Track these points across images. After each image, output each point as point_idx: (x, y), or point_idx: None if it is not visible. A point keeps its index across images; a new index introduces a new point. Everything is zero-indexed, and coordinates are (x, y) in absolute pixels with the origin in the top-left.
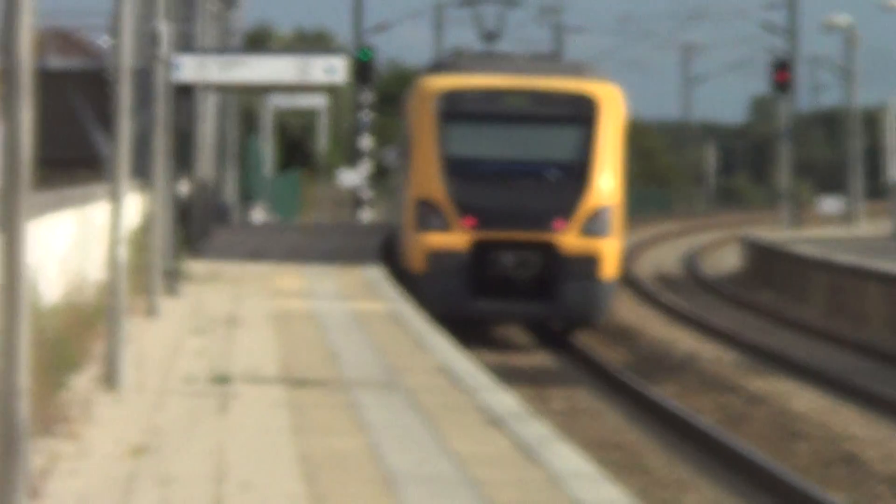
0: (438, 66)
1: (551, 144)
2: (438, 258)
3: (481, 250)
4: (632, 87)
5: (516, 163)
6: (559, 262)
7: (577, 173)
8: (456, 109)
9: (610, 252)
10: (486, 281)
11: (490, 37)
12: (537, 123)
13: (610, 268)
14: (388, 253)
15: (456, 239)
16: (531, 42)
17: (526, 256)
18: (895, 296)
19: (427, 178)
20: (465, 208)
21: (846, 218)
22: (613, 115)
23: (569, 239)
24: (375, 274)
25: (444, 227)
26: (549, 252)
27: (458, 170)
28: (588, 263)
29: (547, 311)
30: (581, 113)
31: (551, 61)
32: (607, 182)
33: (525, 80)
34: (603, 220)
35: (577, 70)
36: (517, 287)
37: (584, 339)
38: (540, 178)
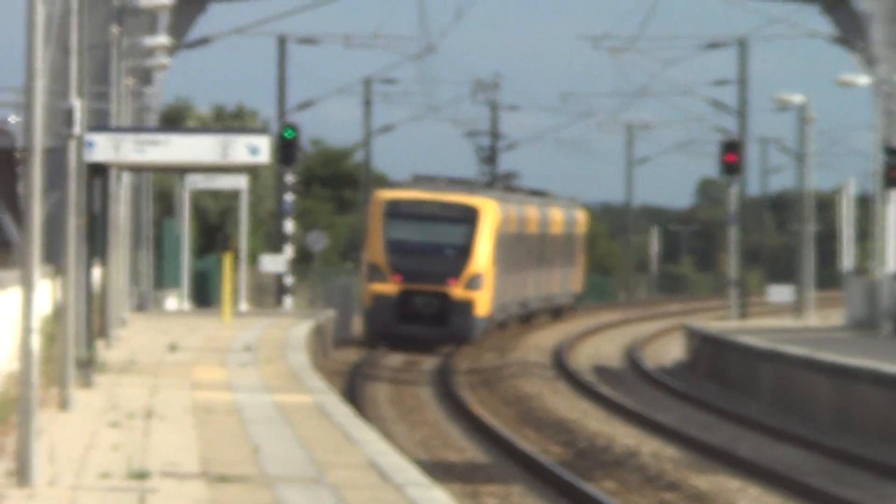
0: (389, 185)
1: (449, 234)
2: (379, 298)
3: (404, 295)
4: (573, 169)
5: (428, 244)
6: (450, 303)
7: (463, 252)
8: (394, 210)
9: (482, 299)
10: (406, 313)
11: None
12: (442, 221)
13: (481, 309)
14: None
15: (390, 287)
16: (465, 121)
17: (430, 300)
18: (846, 390)
19: (375, 250)
20: (395, 269)
21: (796, 308)
22: (490, 219)
23: (456, 290)
24: (300, 364)
25: (383, 279)
26: (444, 297)
27: (393, 246)
28: (467, 305)
29: (441, 333)
30: (468, 216)
31: (458, 183)
32: (482, 259)
33: (437, 195)
34: (478, 280)
35: (471, 189)
36: (424, 318)
37: (521, 432)
38: (441, 254)
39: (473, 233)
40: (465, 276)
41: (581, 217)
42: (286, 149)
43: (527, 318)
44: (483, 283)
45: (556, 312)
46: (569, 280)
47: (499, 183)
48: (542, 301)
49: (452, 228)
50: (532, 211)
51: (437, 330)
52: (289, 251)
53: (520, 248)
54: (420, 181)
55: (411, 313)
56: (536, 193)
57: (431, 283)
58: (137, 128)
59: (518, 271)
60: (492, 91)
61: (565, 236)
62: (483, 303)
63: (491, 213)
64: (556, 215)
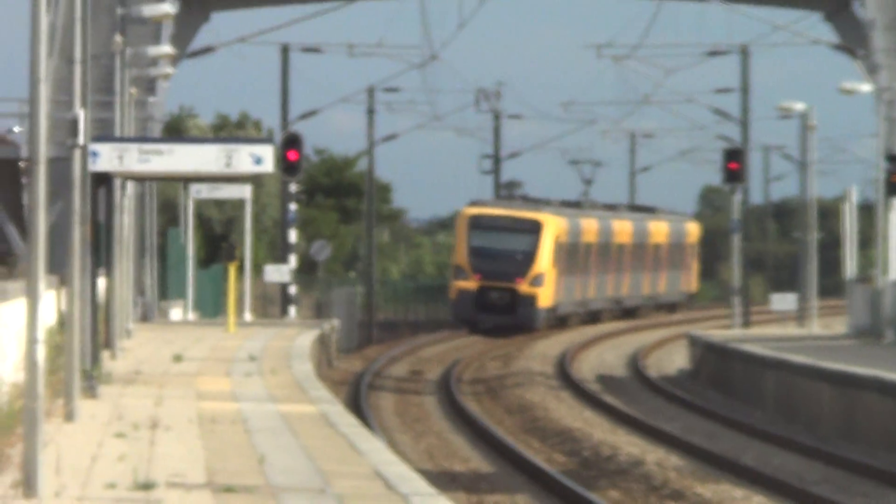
0: (471, 203)
1: (518, 242)
2: (462, 292)
3: (482, 290)
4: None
5: (501, 249)
6: (518, 297)
7: (529, 257)
8: (475, 223)
9: (543, 295)
10: (483, 304)
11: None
12: (513, 231)
13: (543, 302)
14: None
15: (471, 283)
16: (467, 129)
17: (502, 294)
18: (850, 398)
19: (460, 254)
20: (475, 269)
21: (800, 316)
22: (551, 230)
23: (523, 286)
24: (305, 374)
25: (466, 277)
26: (513, 292)
27: (474, 251)
28: (532, 299)
29: (511, 321)
30: (533, 228)
31: (528, 201)
32: (543, 262)
33: (509, 211)
34: (539, 279)
35: (537, 206)
36: (497, 308)
37: (526, 442)
38: (512, 257)
39: (537, 241)
40: (530, 276)
41: (692, 228)
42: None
43: (598, 314)
44: (544, 282)
45: (671, 308)
46: (679, 281)
47: (587, 200)
48: (642, 299)
49: (521, 237)
50: (616, 224)
51: (508, 318)
52: (293, 261)
53: (587, 254)
54: (499, 200)
55: (487, 304)
56: (641, 209)
57: (503, 281)
58: (141, 137)
59: (584, 273)
60: (494, 100)
61: (672, 245)
62: (545, 297)
63: (552, 226)
64: (660, 227)
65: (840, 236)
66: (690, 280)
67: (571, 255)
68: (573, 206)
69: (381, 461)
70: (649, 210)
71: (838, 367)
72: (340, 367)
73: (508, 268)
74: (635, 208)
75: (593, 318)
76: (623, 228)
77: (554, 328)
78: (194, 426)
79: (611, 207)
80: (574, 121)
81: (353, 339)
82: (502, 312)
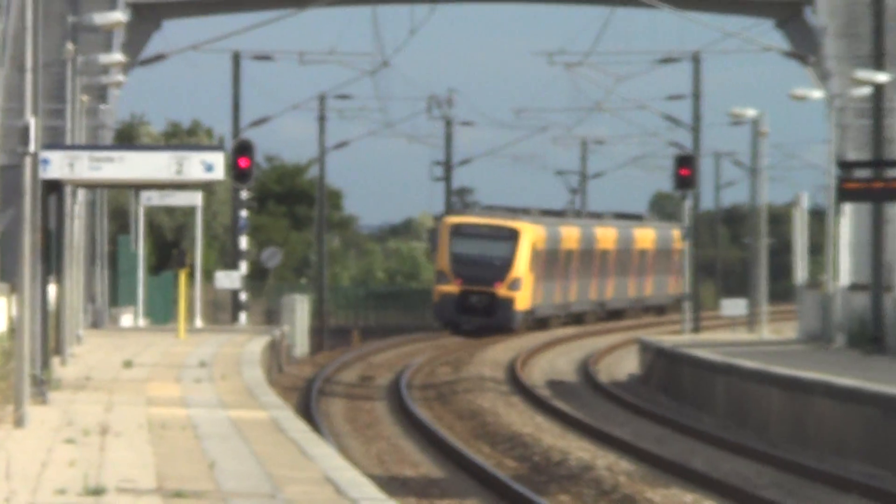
0: (454, 212)
1: (496, 248)
2: (444, 296)
3: (463, 293)
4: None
5: (480, 255)
6: (496, 300)
7: (507, 262)
8: (457, 231)
9: (520, 298)
10: (464, 307)
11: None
12: (491, 239)
13: (520, 305)
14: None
15: (452, 287)
16: (419, 136)
17: (482, 297)
18: (800, 403)
19: (442, 260)
20: (457, 274)
21: (750, 321)
22: (528, 238)
23: (501, 290)
24: (255, 380)
25: (448, 282)
26: (492, 296)
27: (455, 257)
28: (509, 301)
29: (490, 322)
30: (511, 235)
31: (507, 210)
32: (520, 267)
33: (488, 219)
34: (516, 283)
35: (514, 215)
36: (478, 311)
37: (476, 447)
38: (490, 263)
39: (515, 248)
40: (508, 280)
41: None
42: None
43: (581, 316)
44: (521, 286)
45: (659, 310)
46: (667, 285)
47: (572, 209)
48: (627, 301)
49: (499, 244)
50: (599, 231)
51: (487, 320)
52: (243, 267)
53: (568, 260)
54: (480, 209)
55: (468, 307)
56: (629, 217)
57: (482, 285)
58: (92, 145)
59: (563, 278)
60: (446, 106)
61: (659, 251)
62: (522, 300)
63: (529, 234)
64: (646, 234)
65: (790, 242)
66: (678, 283)
67: (550, 261)
68: (556, 214)
69: (331, 466)
70: (636, 217)
71: (788, 372)
72: (291, 372)
73: (487, 273)
74: (623, 216)
75: (576, 319)
76: (606, 235)
77: (532, 329)
78: (144, 432)
79: (597, 216)
80: (526, 127)
81: (303, 345)
82: (482, 315)
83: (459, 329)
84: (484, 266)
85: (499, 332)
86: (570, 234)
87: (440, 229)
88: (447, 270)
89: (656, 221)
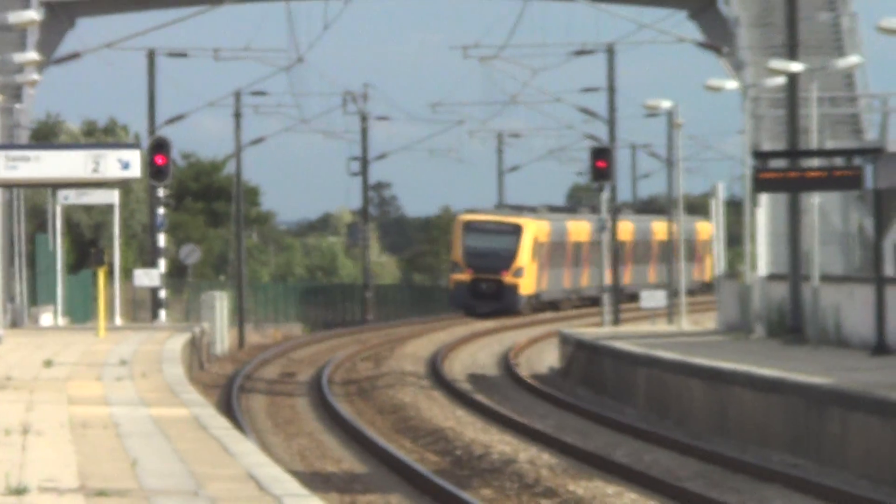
0: (467, 211)
1: (502, 241)
2: (458, 283)
3: (474, 281)
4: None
5: (489, 248)
6: (503, 286)
7: (511, 253)
8: (469, 226)
9: (524, 284)
10: (475, 293)
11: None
12: (498, 233)
13: (524, 290)
14: None
15: (465, 276)
16: (335, 132)
17: (490, 284)
18: (721, 394)
19: (456, 252)
20: (468, 265)
21: (669, 313)
22: (531, 232)
23: (507, 278)
24: (176, 377)
25: (461, 271)
26: (499, 283)
27: (467, 250)
28: (514, 287)
29: (497, 306)
30: (515, 230)
31: (512, 208)
32: (524, 257)
33: (495, 216)
34: (520, 271)
35: (519, 212)
36: (487, 296)
37: (398, 442)
38: (497, 254)
39: (518, 241)
40: (513, 269)
41: (702, 227)
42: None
43: (588, 299)
44: (524, 273)
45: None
46: (690, 273)
47: (581, 206)
48: (635, 287)
49: (505, 238)
50: (639, 226)
51: (495, 304)
52: (162, 265)
53: (573, 250)
54: (489, 207)
55: (478, 293)
56: (649, 212)
57: (491, 273)
58: (8, 144)
59: (571, 266)
60: (361, 102)
61: (638, 242)
62: (526, 286)
63: (531, 228)
64: (661, 227)
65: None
66: (701, 271)
67: (556, 251)
68: (568, 210)
69: (253, 463)
70: (659, 213)
71: (709, 362)
72: (212, 370)
73: (495, 263)
74: (644, 212)
75: (594, 302)
76: (621, 228)
77: (542, 311)
78: (66, 431)
79: (617, 211)
80: (442, 121)
81: (223, 342)
82: (491, 299)
83: (472, 312)
84: (492, 257)
85: (506, 315)
86: (578, 228)
87: (454, 226)
88: (460, 261)
89: (638, 216)
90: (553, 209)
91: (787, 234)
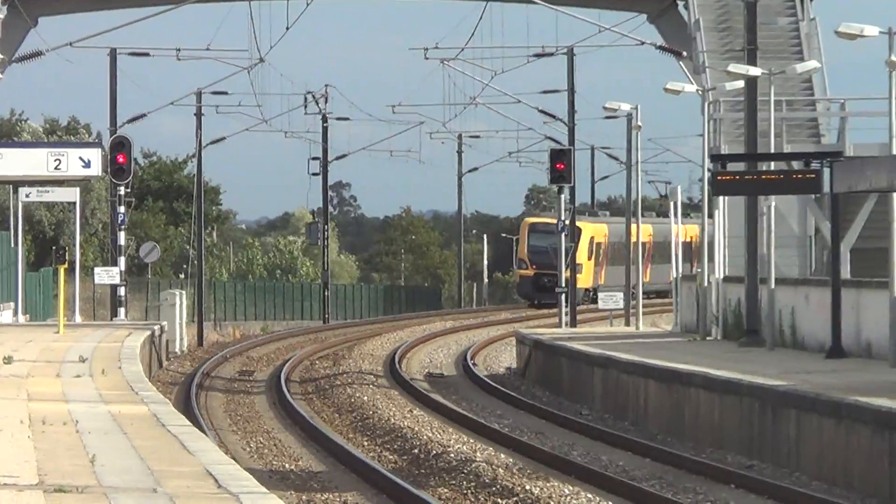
0: (532, 214)
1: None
2: (523, 278)
3: (537, 276)
4: (405, 178)
5: (550, 246)
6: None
7: (573, 251)
8: (533, 228)
9: (581, 279)
10: (537, 286)
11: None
12: (558, 234)
13: (581, 284)
14: None
15: (529, 272)
16: (295, 132)
17: (551, 279)
18: (676, 394)
19: (522, 251)
20: (532, 262)
21: (627, 314)
22: (588, 233)
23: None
24: (135, 375)
25: (527, 267)
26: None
27: (532, 248)
28: (574, 282)
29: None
30: (574, 231)
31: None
32: (581, 256)
33: (555, 219)
34: (578, 268)
35: (578, 216)
36: (548, 289)
37: (356, 441)
38: (557, 252)
39: (577, 241)
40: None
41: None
42: (118, 163)
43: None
44: (582, 270)
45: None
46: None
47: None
48: (662, 285)
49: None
50: (646, 227)
51: (555, 296)
52: (122, 263)
53: (623, 250)
54: (548, 212)
55: (541, 286)
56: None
57: (552, 269)
58: None
59: (618, 264)
60: (322, 102)
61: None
62: (583, 281)
63: (588, 230)
64: (693, 229)
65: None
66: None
67: (610, 251)
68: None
69: (211, 461)
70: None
71: (665, 364)
72: (170, 367)
73: (555, 260)
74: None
75: (645, 296)
76: (645, 230)
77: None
78: (25, 427)
79: (663, 215)
80: (401, 122)
81: (183, 340)
82: (551, 292)
83: (535, 303)
84: (553, 255)
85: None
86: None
87: (521, 226)
88: (525, 258)
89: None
90: (615, 214)
91: (744, 236)
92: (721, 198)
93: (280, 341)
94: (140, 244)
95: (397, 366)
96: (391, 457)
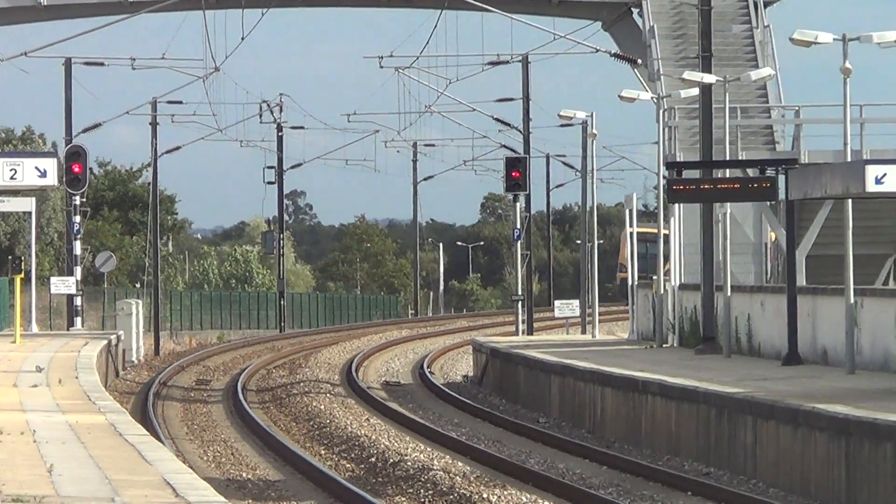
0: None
1: (656, 248)
2: (624, 280)
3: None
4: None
5: (647, 252)
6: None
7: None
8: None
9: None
10: None
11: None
12: (654, 241)
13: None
14: None
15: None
16: (251, 141)
17: (648, 281)
18: (633, 402)
19: (623, 256)
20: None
21: (582, 322)
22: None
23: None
24: (92, 384)
25: (625, 271)
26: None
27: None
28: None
29: None
30: (665, 239)
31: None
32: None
33: (650, 228)
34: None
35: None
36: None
37: (313, 449)
38: (653, 257)
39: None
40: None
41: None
42: (74, 173)
43: None
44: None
45: None
46: None
47: None
48: None
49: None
50: None
51: None
52: (78, 273)
53: None
54: (647, 221)
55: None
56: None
57: (647, 273)
58: None
59: None
60: (277, 111)
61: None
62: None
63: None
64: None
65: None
66: None
67: None
68: None
69: (169, 470)
70: None
71: (622, 371)
72: (127, 377)
73: (650, 265)
74: None
75: None
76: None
77: None
78: None
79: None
80: (357, 131)
81: (139, 350)
82: None
83: None
84: (648, 260)
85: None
86: None
87: (621, 236)
88: (626, 263)
89: None
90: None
91: (699, 244)
92: (676, 205)
93: (236, 350)
94: (96, 254)
95: (354, 374)
96: (348, 465)
